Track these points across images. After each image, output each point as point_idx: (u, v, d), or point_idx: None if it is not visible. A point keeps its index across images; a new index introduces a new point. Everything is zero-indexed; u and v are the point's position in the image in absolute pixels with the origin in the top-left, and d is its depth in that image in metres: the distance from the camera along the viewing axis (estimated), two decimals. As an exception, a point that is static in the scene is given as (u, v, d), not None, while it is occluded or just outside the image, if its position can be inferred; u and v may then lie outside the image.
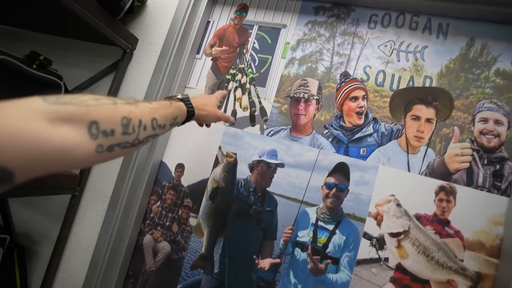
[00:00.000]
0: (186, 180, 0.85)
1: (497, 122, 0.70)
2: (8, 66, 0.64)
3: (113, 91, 0.84)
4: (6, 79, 0.66)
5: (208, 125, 0.72)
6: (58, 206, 0.83)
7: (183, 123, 0.57)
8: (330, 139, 0.77)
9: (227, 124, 0.84)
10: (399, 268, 0.69)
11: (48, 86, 0.71)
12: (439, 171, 0.71)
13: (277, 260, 0.74)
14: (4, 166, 0.26)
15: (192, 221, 0.82)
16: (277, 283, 0.74)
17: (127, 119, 0.39)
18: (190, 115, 0.58)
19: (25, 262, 0.81)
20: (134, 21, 0.89)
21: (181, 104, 0.56)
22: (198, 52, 0.92)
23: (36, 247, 0.83)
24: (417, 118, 0.74)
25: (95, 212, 0.81)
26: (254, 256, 0.76)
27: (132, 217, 0.81)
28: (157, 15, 0.89)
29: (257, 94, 0.84)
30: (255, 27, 0.89)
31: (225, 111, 0.86)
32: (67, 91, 0.79)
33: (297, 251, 0.74)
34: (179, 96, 0.58)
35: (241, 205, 0.79)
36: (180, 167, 0.86)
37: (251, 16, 0.90)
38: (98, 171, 0.83)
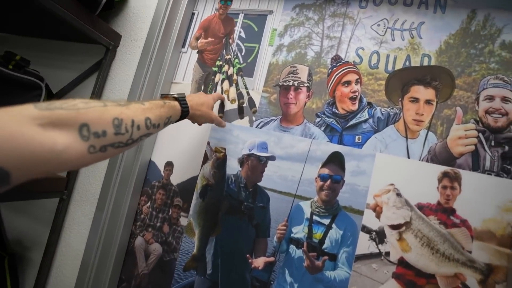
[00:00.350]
0: (176, 179, 0.82)
1: (505, 99, 0.64)
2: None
3: (97, 91, 0.81)
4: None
5: (199, 124, 0.70)
6: (48, 211, 0.81)
7: (177, 121, 0.58)
8: (322, 128, 0.73)
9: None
10: (402, 262, 0.64)
11: (27, 87, 0.69)
12: (442, 156, 0.66)
13: (271, 259, 0.70)
14: (1, 166, 0.29)
15: (183, 221, 0.79)
16: (272, 282, 0.70)
17: (118, 120, 0.41)
18: (185, 114, 0.59)
19: (16, 269, 0.80)
20: (117, 17, 0.87)
21: (176, 103, 0.57)
22: (183, 46, 0.89)
23: (27, 253, 0.82)
24: (415, 100, 0.69)
25: (83, 215, 0.79)
26: (248, 255, 0.72)
27: (122, 218, 0.79)
28: (139, 10, 0.86)
29: (245, 85, 0.80)
30: (241, 16, 0.85)
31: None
32: (50, 93, 0.77)
33: (292, 248, 0.70)
34: (175, 95, 0.59)
35: (232, 202, 0.75)
36: (169, 165, 0.83)
37: (236, 4, 0.86)
38: (85, 173, 0.81)
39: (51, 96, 0.77)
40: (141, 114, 0.45)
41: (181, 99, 0.58)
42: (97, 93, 0.81)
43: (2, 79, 0.64)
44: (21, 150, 0.31)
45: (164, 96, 0.59)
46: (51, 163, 0.34)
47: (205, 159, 0.80)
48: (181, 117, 0.59)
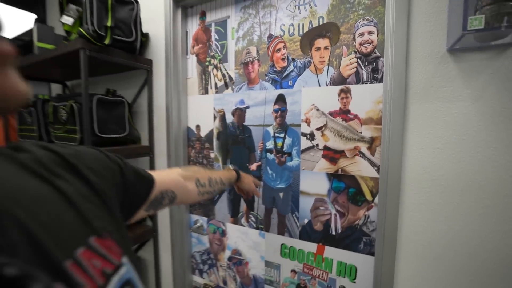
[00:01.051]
0: (203, 133, 1.40)
1: (370, 32, 0.99)
2: (101, 99, 1.28)
3: (150, 95, 1.43)
4: (102, 105, 1.31)
5: (244, 194, 1.04)
6: (143, 167, 1.50)
7: (233, 184, 0.95)
8: (270, 82, 1.19)
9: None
10: (326, 147, 1.09)
11: (119, 103, 1.35)
12: (338, 80, 1.06)
13: (259, 163, 1.24)
14: (175, 192, 0.61)
15: (212, 155, 1.38)
16: (262, 175, 1.24)
17: (210, 178, 0.77)
18: (237, 178, 0.95)
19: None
20: (147, 50, 1.45)
21: (234, 172, 0.94)
22: (187, 54, 1.43)
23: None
24: (318, 49, 1.09)
25: (161, 163, 1.46)
26: (247, 164, 1.27)
27: (180, 161, 1.42)
28: (156, 40, 1.42)
29: (225, 68, 1.31)
30: (213, 25, 1.33)
31: (210, 84, 1.35)
32: (128, 103, 1.41)
33: (268, 154, 1.22)
34: (233, 167, 0.98)
35: (233, 138, 1.30)
36: (198, 127, 1.42)
37: (209, 18, 1.34)
38: (158, 142, 1.47)
39: (129, 104, 1.42)
40: (219, 176, 0.81)
41: (236, 170, 0.95)
42: (150, 97, 1.43)
43: (108, 101, 1.30)
44: (181, 187, 0.63)
45: (227, 168, 1.02)
46: (187, 198, 0.68)
47: (214, 117, 1.35)
48: (236, 181, 0.94)
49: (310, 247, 1.16)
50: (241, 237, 1.33)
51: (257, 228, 1.28)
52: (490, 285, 0.80)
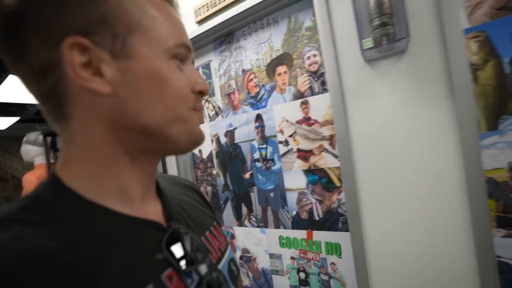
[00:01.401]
0: (205, 155, 1.71)
1: (314, 55, 1.28)
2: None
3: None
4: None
5: None
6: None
7: None
8: (249, 106, 1.49)
9: None
10: (298, 149, 1.35)
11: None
12: (298, 95, 1.34)
13: (251, 171, 1.51)
14: None
15: (214, 172, 1.67)
16: (255, 181, 1.51)
17: None
18: None
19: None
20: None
21: None
22: (185, 93, 1.77)
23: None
24: (280, 74, 1.38)
25: (177, 185, 1.76)
26: (242, 174, 1.54)
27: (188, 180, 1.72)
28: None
29: (214, 101, 1.63)
30: (200, 68, 1.68)
31: (204, 115, 1.68)
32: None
33: (257, 163, 1.49)
34: None
35: (228, 154, 1.59)
36: (200, 151, 1.73)
37: (196, 63, 1.69)
38: (170, 164, 1.78)
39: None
40: None
41: None
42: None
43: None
44: None
45: None
46: None
47: (212, 141, 1.66)
48: None
49: (301, 234, 1.38)
50: (247, 237, 1.58)
51: (258, 226, 1.53)
52: (443, 234, 1.00)
